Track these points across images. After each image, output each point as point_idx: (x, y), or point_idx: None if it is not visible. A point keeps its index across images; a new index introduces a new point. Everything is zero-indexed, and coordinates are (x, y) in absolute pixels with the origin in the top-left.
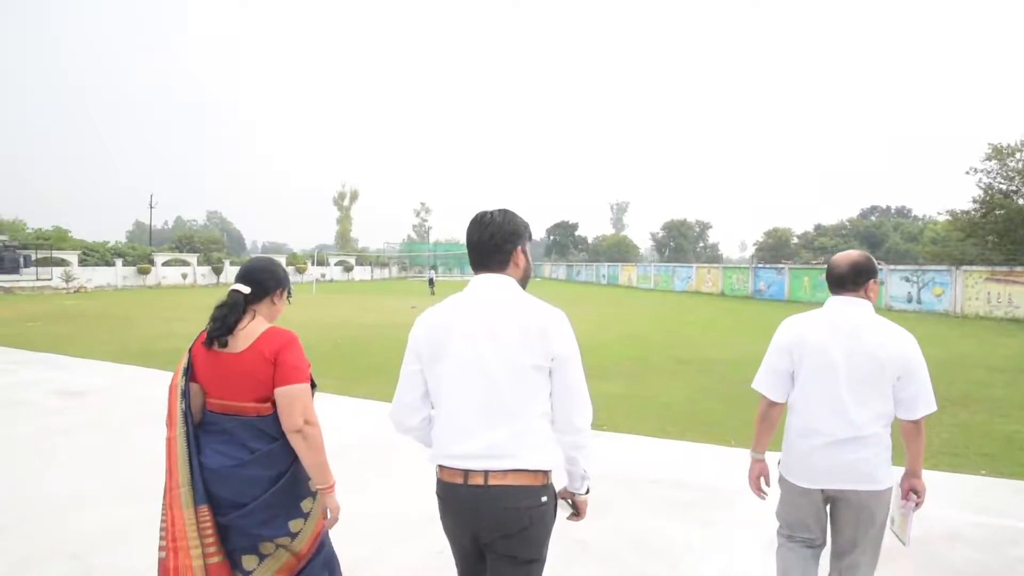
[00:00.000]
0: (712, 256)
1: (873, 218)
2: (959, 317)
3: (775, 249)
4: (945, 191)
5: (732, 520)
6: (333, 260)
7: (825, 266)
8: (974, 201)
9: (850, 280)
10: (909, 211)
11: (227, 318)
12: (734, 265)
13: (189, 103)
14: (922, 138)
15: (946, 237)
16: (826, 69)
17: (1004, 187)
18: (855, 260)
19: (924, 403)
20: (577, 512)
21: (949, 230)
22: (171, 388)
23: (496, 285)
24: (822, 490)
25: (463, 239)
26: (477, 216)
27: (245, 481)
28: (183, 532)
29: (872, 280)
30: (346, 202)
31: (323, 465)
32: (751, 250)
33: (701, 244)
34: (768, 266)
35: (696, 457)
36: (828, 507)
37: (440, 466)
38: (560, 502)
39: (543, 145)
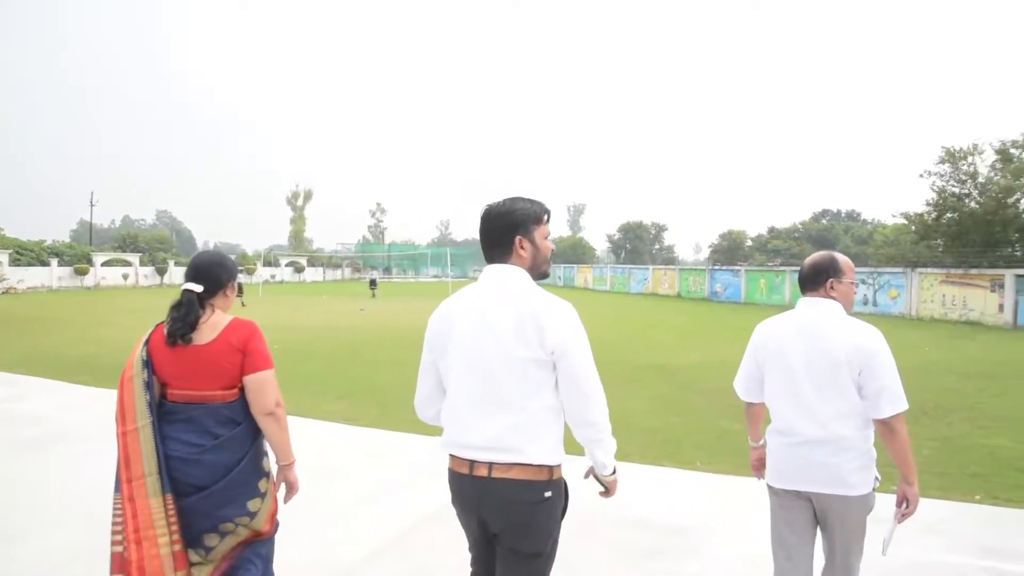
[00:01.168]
0: (667, 258)
1: (824, 221)
2: (914, 320)
3: (729, 251)
4: (892, 195)
5: (704, 573)
6: (284, 261)
7: (781, 268)
8: (927, 204)
9: (810, 280)
10: (858, 214)
11: (188, 316)
12: (690, 267)
13: (141, 101)
14: (871, 143)
15: (896, 239)
16: (777, 74)
17: (956, 190)
18: (814, 260)
19: (888, 400)
20: (607, 490)
21: (899, 233)
22: (125, 382)
23: (502, 275)
24: (798, 492)
25: (418, 240)
26: (484, 208)
27: (208, 465)
28: (149, 522)
29: (833, 279)
30: (300, 202)
31: (288, 443)
32: (706, 252)
33: (657, 246)
34: (724, 268)
35: (660, 485)
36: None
37: (450, 455)
38: (591, 478)
39: (500, 146)
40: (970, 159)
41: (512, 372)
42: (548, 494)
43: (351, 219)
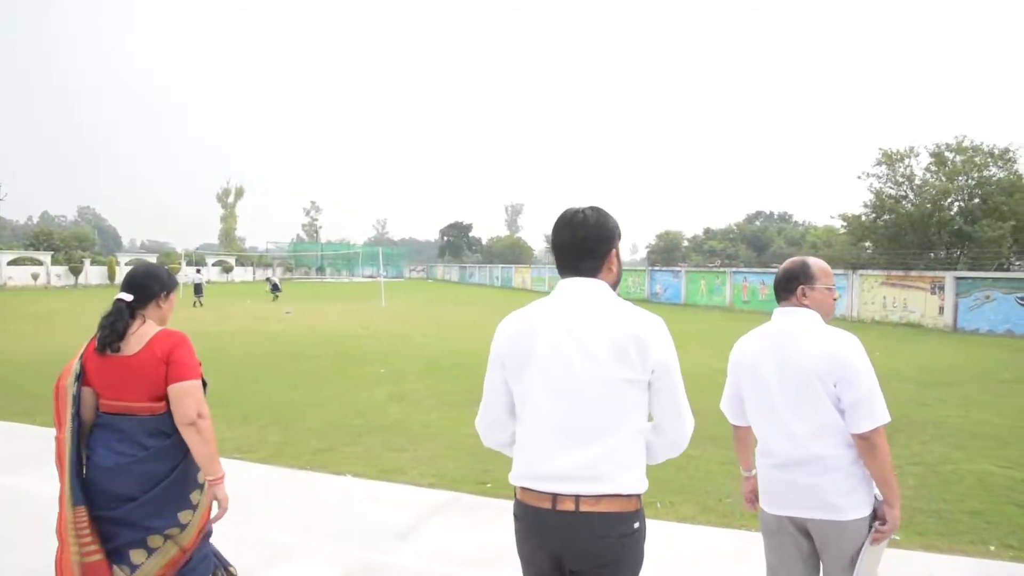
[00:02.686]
0: None
1: (758, 223)
2: (856, 322)
3: (666, 251)
4: (823, 197)
5: None
6: (211, 260)
7: (722, 269)
8: (865, 205)
9: (783, 288)
10: (790, 216)
11: (115, 324)
12: (630, 267)
13: (71, 91)
14: (802, 146)
15: (829, 241)
16: (710, 77)
17: (893, 192)
18: (786, 266)
19: (866, 413)
20: None
21: (830, 234)
22: (59, 390)
23: (587, 289)
24: (791, 519)
25: (354, 239)
26: (567, 214)
27: (139, 476)
28: (64, 529)
29: (804, 286)
30: (231, 199)
31: (213, 456)
32: (643, 252)
33: None
34: (665, 269)
35: None
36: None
37: (523, 488)
38: None
39: (437, 145)
40: (906, 161)
41: (607, 394)
42: (637, 525)
43: (286, 218)
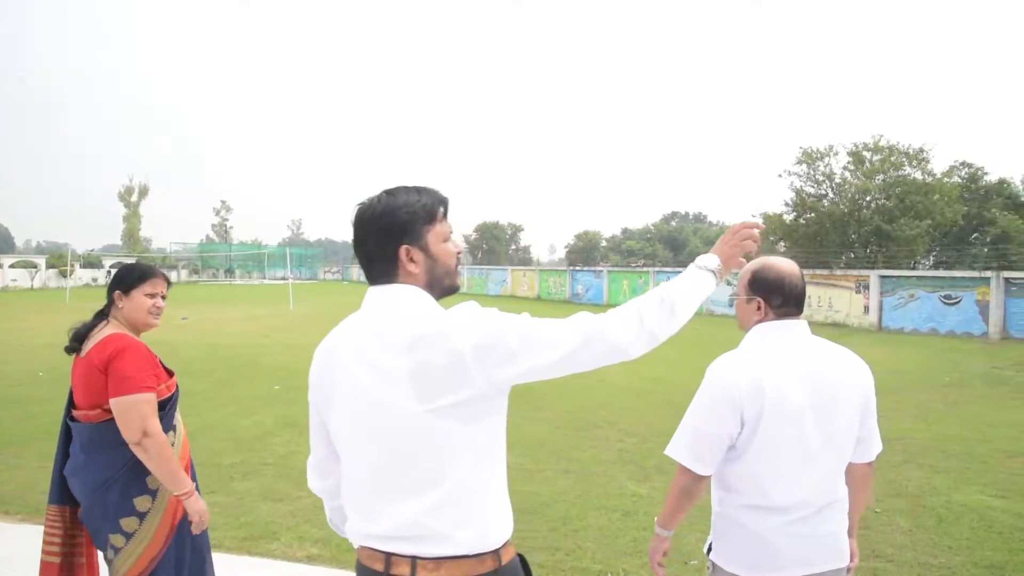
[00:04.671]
0: (524, 259)
1: (674, 223)
2: None
3: (585, 251)
4: (737, 198)
5: None
6: (109, 262)
7: (644, 269)
8: (786, 204)
9: (802, 296)
10: (705, 216)
11: (80, 326)
12: (550, 267)
13: None
14: (717, 148)
15: None
16: (627, 79)
17: (813, 191)
18: (800, 273)
19: (877, 438)
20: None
21: None
22: None
23: (382, 303)
24: None
25: (266, 240)
26: (357, 208)
27: (81, 481)
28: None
29: (760, 299)
30: (134, 198)
31: (173, 474)
32: (562, 252)
33: (513, 246)
34: (586, 269)
35: None
36: None
37: (359, 545)
38: None
39: (351, 142)
40: (826, 160)
41: (417, 434)
42: None
43: (197, 218)
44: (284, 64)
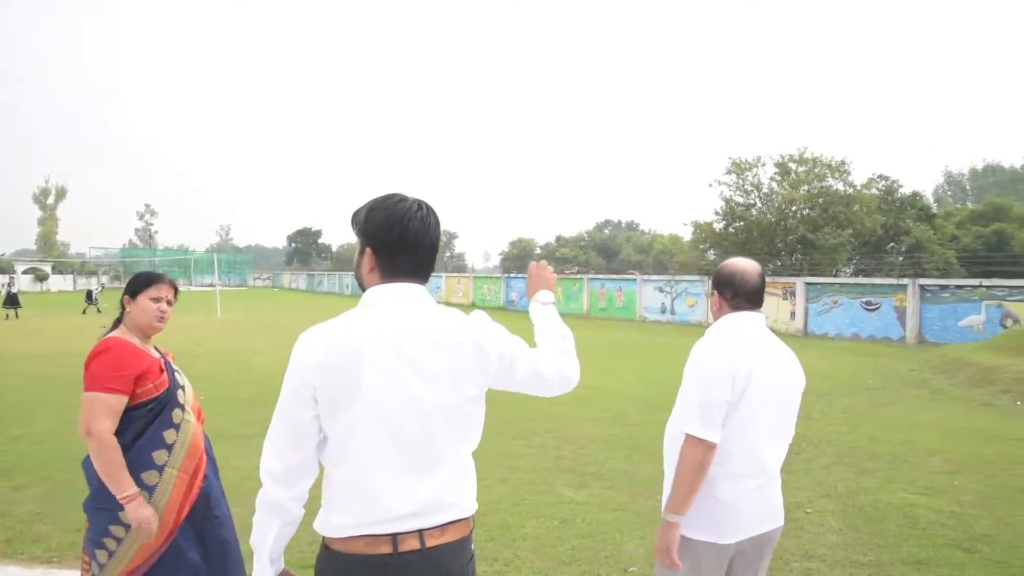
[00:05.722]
0: (458, 266)
1: (607, 231)
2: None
3: (520, 259)
4: (668, 207)
5: None
6: (22, 267)
7: (578, 276)
8: (716, 213)
9: (761, 292)
10: (637, 225)
11: (103, 332)
12: (485, 275)
13: None
14: (649, 159)
15: (669, 249)
16: (560, 86)
17: (742, 200)
18: (760, 271)
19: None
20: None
21: (673, 243)
22: None
23: (420, 298)
24: (751, 539)
25: (193, 246)
26: (409, 204)
27: (89, 472)
28: None
29: (715, 291)
30: (50, 200)
31: (112, 477)
32: (496, 260)
33: (448, 254)
34: (521, 276)
35: None
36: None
37: (348, 537)
38: None
39: (283, 147)
40: (754, 170)
41: (451, 418)
42: (473, 547)
43: (121, 221)
44: (213, 60)
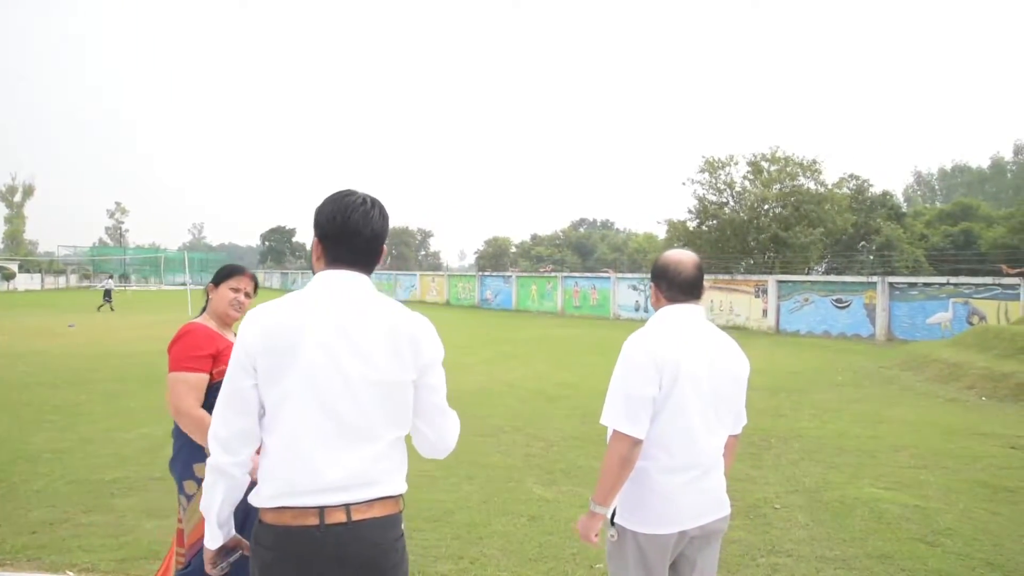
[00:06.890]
0: (433, 264)
1: (582, 229)
2: None
3: (495, 257)
4: (642, 207)
5: None
6: None
7: (552, 275)
8: (689, 211)
9: (699, 285)
10: (612, 223)
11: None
12: (460, 273)
13: None
14: (624, 158)
15: (643, 247)
16: (536, 84)
17: (715, 199)
18: (697, 262)
19: (743, 414)
20: None
21: (648, 241)
22: None
23: (359, 284)
24: (689, 531)
25: (165, 244)
26: (353, 198)
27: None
28: None
29: (652, 284)
30: (17, 198)
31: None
32: (471, 258)
33: (423, 252)
34: (495, 274)
35: None
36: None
37: (278, 508)
38: None
39: (255, 145)
40: (727, 169)
41: (382, 396)
42: (403, 526)
43: (88, 220)
44: (186, 57)
